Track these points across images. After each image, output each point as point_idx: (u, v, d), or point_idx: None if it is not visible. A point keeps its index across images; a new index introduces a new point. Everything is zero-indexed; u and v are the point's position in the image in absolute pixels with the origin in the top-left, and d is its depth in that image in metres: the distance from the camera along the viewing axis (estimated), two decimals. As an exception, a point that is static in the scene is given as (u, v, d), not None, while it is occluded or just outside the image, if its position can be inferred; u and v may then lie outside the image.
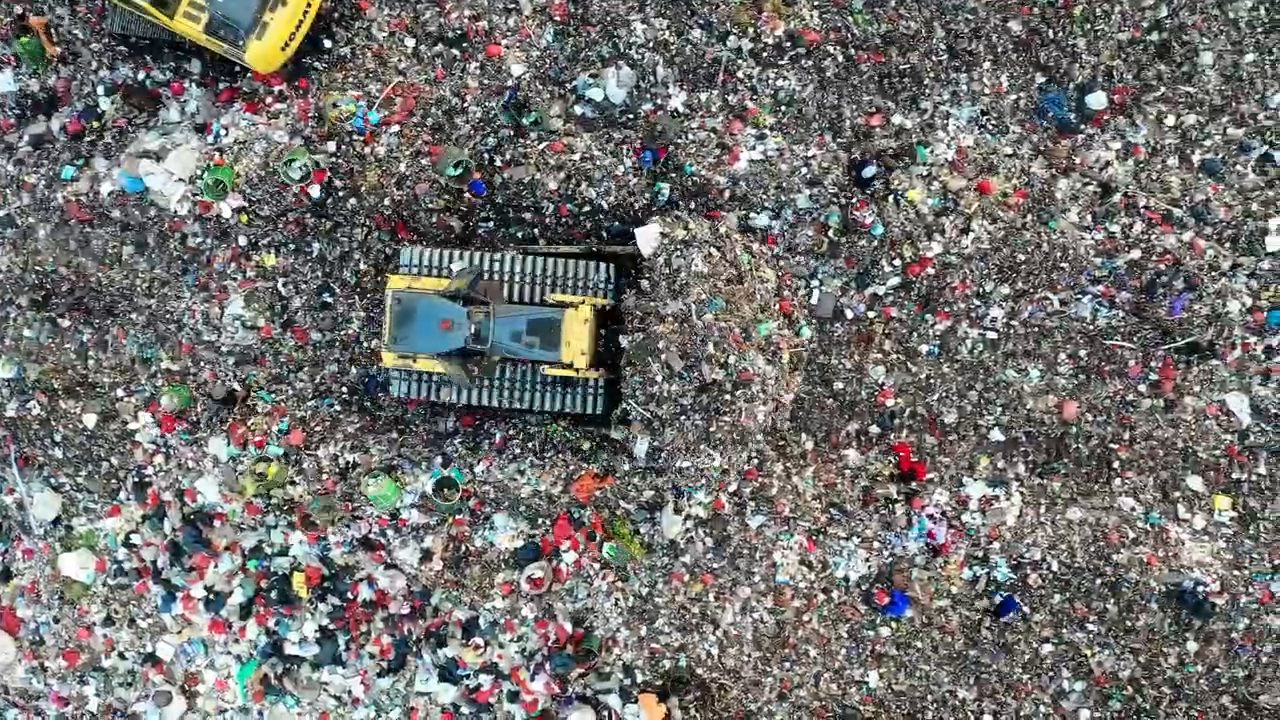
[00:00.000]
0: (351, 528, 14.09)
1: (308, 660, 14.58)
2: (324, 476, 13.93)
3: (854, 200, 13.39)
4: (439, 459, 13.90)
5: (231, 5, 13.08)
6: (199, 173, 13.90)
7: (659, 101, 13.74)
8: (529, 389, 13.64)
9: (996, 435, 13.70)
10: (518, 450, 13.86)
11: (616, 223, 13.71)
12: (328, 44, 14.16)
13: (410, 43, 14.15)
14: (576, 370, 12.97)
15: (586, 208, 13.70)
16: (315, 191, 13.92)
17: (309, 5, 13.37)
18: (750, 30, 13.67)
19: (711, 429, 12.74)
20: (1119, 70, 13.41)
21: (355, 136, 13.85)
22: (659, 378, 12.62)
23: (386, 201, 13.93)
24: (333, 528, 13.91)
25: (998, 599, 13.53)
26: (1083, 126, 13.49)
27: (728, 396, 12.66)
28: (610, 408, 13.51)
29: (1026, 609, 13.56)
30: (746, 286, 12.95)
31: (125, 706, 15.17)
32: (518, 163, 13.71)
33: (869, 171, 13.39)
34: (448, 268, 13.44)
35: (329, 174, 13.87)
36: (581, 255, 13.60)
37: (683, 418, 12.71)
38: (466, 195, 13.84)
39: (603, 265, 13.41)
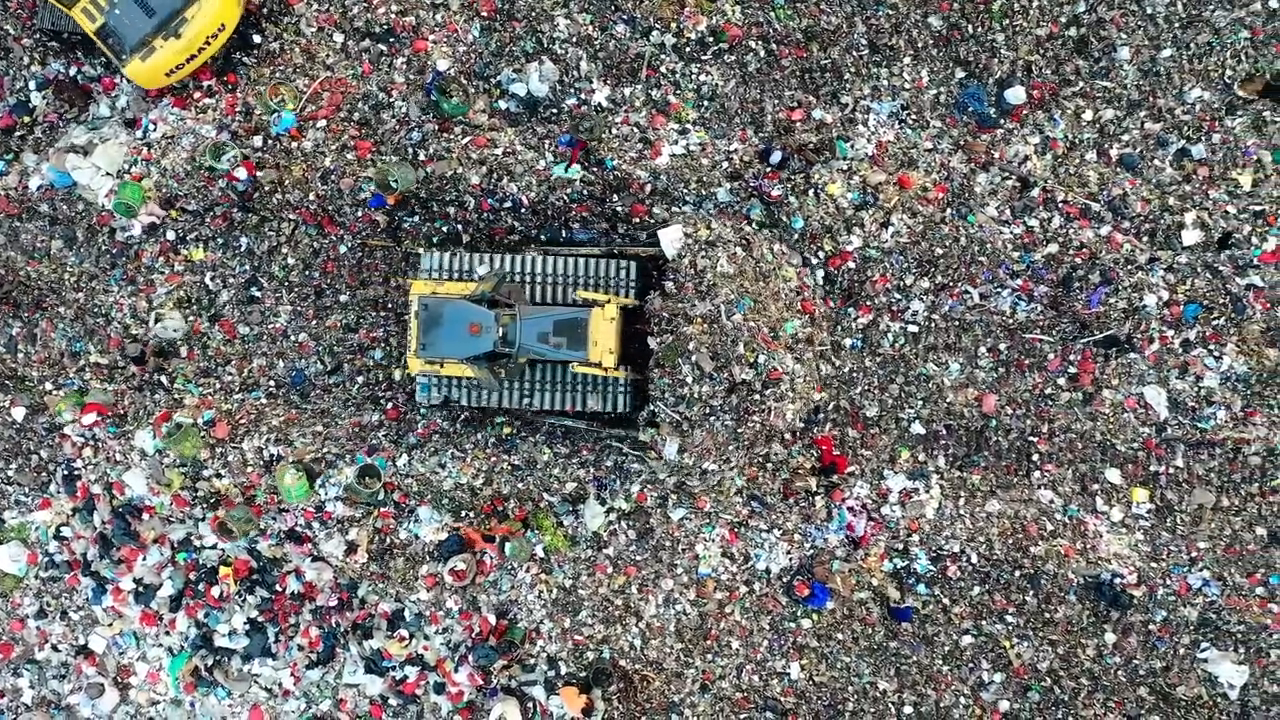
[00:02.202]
0: (278, 520, 14.18)
1: (238, 652, 14.66)
2: (248, 469, 14.00)
3: (765, 171, 13.42)
4: (363, 451, 13.97)
5: (124, 22, 13.15)
6: (126, 167, 13.98)
7: (583, 96, 13.82)
8: (555, 390, 13.71)
9: (917, 429, 13.78)
10: (439, 443, 13.94)
11: (534, 215, 13.81)
12: (257, 39, 14.24)
13: (339, 38, 14.23)
14: (604, 369, 13.00)
15: (508, 203, 13.77)
16: (242, 175, 13.92)
17: (207, 43, 13.39)
18: (673, 25, 13.75)
19: (741, 430, 12.80)
20: (1037, 65, 13.48)
21: (280, 134, 13.93)
22: (689, 379, 12.65)
23: (311, 196, 14.01)
24: (245, 538, 14.00)
25: (909, 600, 13.63)
26: (1002, 121, 13.57)
27: (757, 396, 12.73)
28: (636, 407, 13.56)
29: (944, 601, 13.65)
30: (771, 285, 13.01)
31: (59, 699, 15.25)
32: (440, 157, 13.79)
33: (775, 158, 13.53)
34: (471, 271, 13.50)
35: (256, 166, 13.96)
36: (604, 255, 13.64)
37: (712, 419, 12.77)
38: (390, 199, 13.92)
39: (626, 264, 13.45)
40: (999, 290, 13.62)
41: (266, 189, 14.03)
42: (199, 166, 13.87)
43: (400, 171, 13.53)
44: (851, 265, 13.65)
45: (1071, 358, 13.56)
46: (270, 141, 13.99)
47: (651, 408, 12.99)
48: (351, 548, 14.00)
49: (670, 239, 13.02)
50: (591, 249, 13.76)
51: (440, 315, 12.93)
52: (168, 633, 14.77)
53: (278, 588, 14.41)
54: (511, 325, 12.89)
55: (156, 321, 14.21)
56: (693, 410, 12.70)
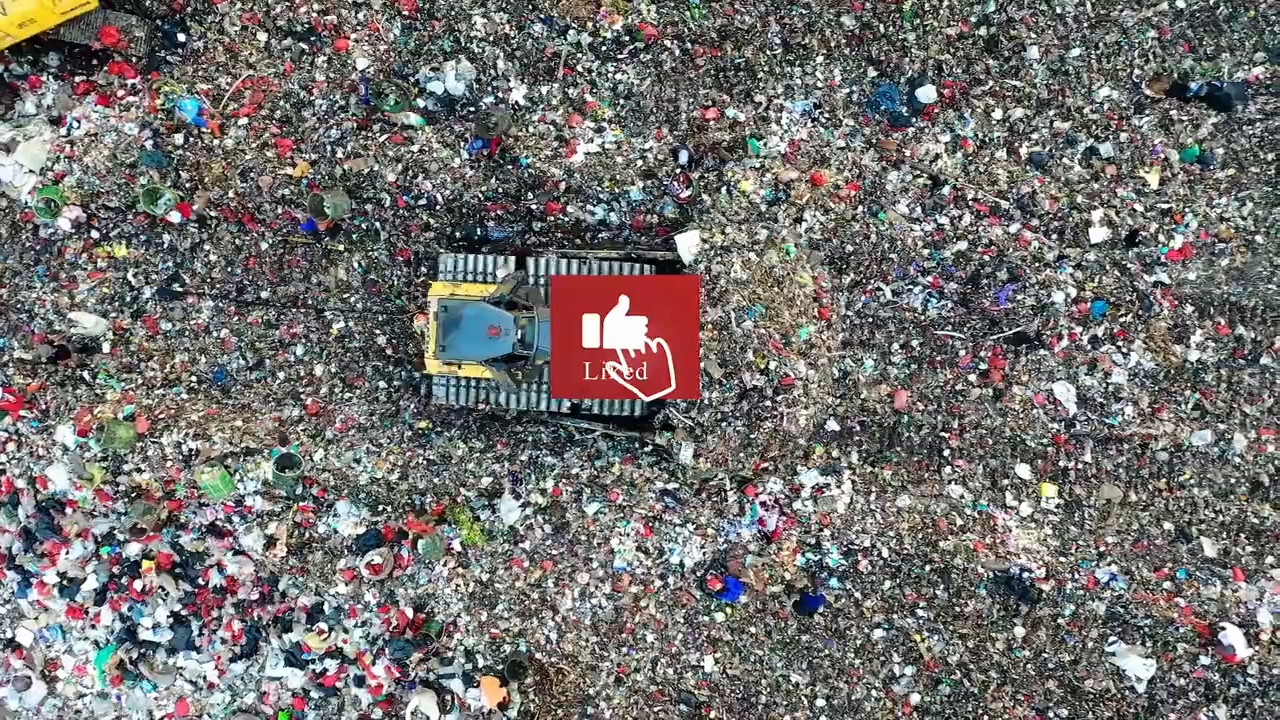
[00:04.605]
0: (199, 514, 14.29)
1: (162, 645, 14.78)
2: (168, 464, 14.11)
3: (676, 171, 13.57)
4: (280, 444, 14.08)
5: None
6: (49, 164, 14.10)
7: (500, 95, 13.93)
8: None
9: (831, 425, 13.89)
10: (355, 437, 14.05)
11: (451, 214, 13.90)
12: (181, 37, 14.35)
13: (263, 37, 14.33)
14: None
15: (423, 200, 13.89)
16: (175, 218, 14.09)
17: None
18: (589, 24, 13.87)
19: (753, 435, 12.92)
20: (948, 64, 13.61)
21: (200, 131, 14.04)
22: (699, 385, 12.78)
23: (231, 193, 14.12)
24: (164, 531, 14.09)
25: (816, 592, 13.73)
26: (913, 120, 13.69)
27: (768, 402, 12.84)
28: (651, 411, 13.66)
29: (855, 595, 13.77)
30: (785, 291, 13.12)
31: (-12, 692, 15.38)
32: (357, 154, 13.90)
33: (683, 156, 13.66)
34: (490, 273, 13.49)
35: (183, 181, 14.07)
36: (621, 258, 13.70)
37: (724, 424, 12.88)
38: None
39: (643, 268, 13.51)
40: (910, 287, 13.74)
41: (188, 186, 14.14)
42: (120, 164, 13.98)
43: (335, 199, 13.60)
44: (765, 262, 13.77)
45: (982, 354, 13.69)
46: (192, 139, 14.10)
47: (665, 412, 13.11)
48: (271, 542, 14.11)
49: (687, 244, 13.12)
50: (610, 252, 13.79)
51: (460, 317, 12.98)
52: (93, 626, 14.88)
53: (200, 581, 14.53)
54: (530, 327, 12.92)
55: (71, 328, 14.33)
56: (703, 416, 12.81)
